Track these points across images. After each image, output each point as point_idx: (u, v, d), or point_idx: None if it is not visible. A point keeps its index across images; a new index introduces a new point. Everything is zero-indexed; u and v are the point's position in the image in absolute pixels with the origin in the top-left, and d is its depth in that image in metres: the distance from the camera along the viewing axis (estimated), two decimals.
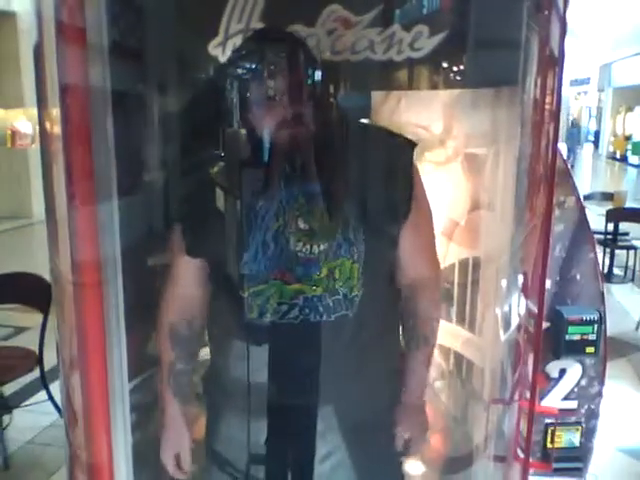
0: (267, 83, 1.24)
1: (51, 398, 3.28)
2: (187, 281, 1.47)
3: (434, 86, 1.91)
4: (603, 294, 2.01)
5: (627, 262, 6.68)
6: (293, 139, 1.28)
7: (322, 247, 1.32)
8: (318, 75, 1.30)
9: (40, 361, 3.31)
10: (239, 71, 1.29)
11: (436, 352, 1.86)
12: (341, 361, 1.38)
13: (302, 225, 1.32)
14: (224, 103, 1.31)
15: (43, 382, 3.39)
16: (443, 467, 1.97)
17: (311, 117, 1.28)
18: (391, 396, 1.51)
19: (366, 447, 1.47)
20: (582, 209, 1.94)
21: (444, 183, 1.87)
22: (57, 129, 1.28)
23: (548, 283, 1.82)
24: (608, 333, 2.09)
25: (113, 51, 1.29)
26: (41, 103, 1.43)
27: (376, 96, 1.89)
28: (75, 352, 1.38)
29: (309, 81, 1.28)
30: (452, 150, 1.89)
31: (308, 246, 1.32)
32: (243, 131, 1.31)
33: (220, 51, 1.89)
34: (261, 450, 1.42)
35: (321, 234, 1.32)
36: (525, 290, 1.64)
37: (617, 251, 6.65)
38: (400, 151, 1.40)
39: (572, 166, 17.69)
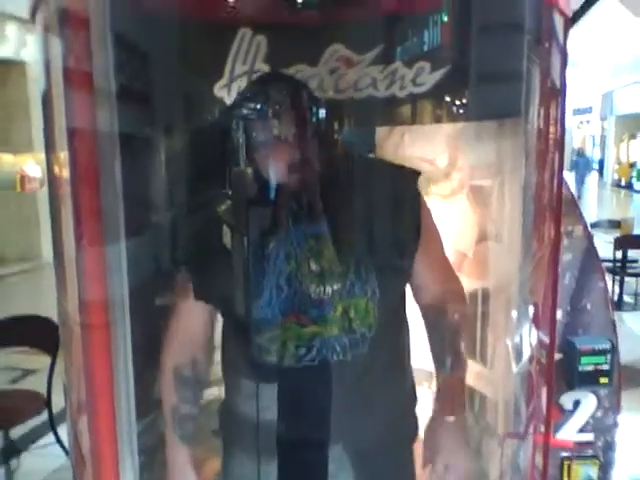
0: (271, 123, 1.26)
1: (59, 441, 3.26)
2: (192, 324, 1.46)
3: (437, 120, 1.93)
4: (614, 323, 1.99)
5: (637, 289, 6.63)
6: (299, 178, 1.29)
7: (335, 287, 1.31)
8: (322, 114, 1.31)
9: (48, 404, 3.30)
10: (244, 112, 1.30)
11: None
12: (358, 399, 1.37)
13: (314, 267, 1.31)
14: (230, 144, 1.32)
15: (51, 425, 3.37)
16: None
17: (316, 156, 1.30)
18: (405, 433, 1.49)
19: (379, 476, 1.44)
20: (590, 238, 1.93)
21: (450, 215, 1.87)
22: (65, 172, 1.31)
23: (559, 313, 1.80)
24: (621, 362, 2.07)
25: (120, 96, 1.32)
26: (49, 147, 1.46)
27: (380, 132, 1.91)
28: (83, 395, 1.37)
29: (312, 120, 1.30)
30: (457, 182, 1.90)
31: (321, 287, 1.31)
32: (250, 170, 1.32)
33: (226, 92, 1.92)
34: None
35: (333, 275, 1.31)
36: (536, 321, 1.63)
37: (627, 278, 6.61)
38: (404, 181, 1.41)
39: (579, 197, 17.33)
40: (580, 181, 18.50)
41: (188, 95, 1.88)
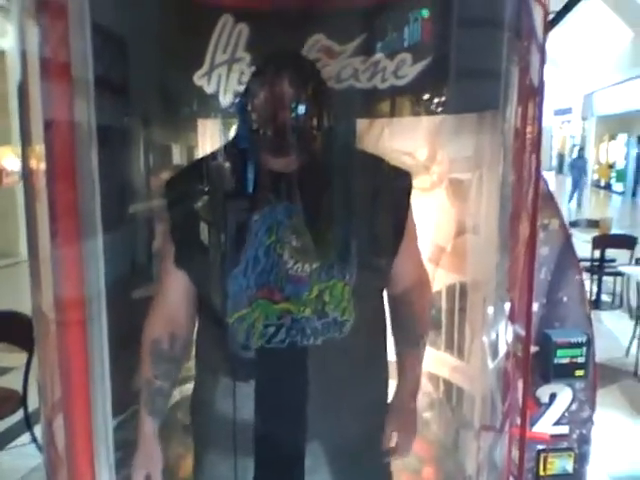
0: (272, 81, 1.28)
1: (35, 440, 3.22)
2: (173, 295, 1.44)
3: (418, 113, 1.93)
4: (590, 316, 2.00)
5: (615, 288, 6.70)
6: (292, 151, 1.30)
7: (314, 266, 1.31)
8: (322, 93, 1.34)
9: (24, 402, 3.26)
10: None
11: (425, 380, 1.85)
12: (328, 389, 1.35)
13: (294, 242, 1.31)
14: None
15: (27, 424, 3.33)
16: None
17: (310, 130, 1.31)
18: (378, 426, 1.49)
19: (356, 474, 1.43)
20: (566, 232, 1.94)
21: (430, 209, 1.87)
22: (41, 166, 1.29)
23: (535, 306, 1.81)
24: (598, 360, 2.08)
25: (98, 86, 1.30)
26: (25, 140, 1.43)
27: (361, 124, 1.90)
28: (58, 393, 1.36)
29: (313, 94, 1.31)
30: (437, 176, 1.90)
31: (300, 264, 1.31)
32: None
33: (205, 81, 1.90)
34: None
35: (313, 253, 1.31)
36: (512, 314, 1.64)
37: (604, 278, 6.67)
38: (399, 180, 1.43)
39: (579, 204, 16.40)
40: (575, 185, 17.04)
41: (167, 84, 1.85)
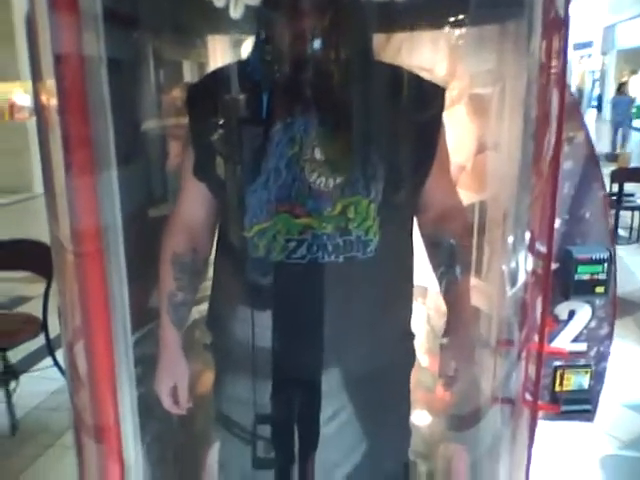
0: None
1: (57, 364, 3.30)
2: (193, 206, 1.42)
3: (436, 26, 1.85)
4: (613, 233, 1.97)
5: (632, 223, 6.64)
6: (317, 61, 1.24)
7: (338, 180, 1.26)
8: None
9: (44, 327, 3.32)
10: None
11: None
12: (348, 309, 1.33)
13: (318, 155, 1.26)
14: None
15: (48, 348, 3.41)
16: (451, 415, 1.96)
17: (335, 40, 1.24)
18: (401, 353, 1.47)
19: (375, 402, 1.42)
20: (591, 145, 1.88)
21: (449, 127, 1.82)
22: (52, 100, 1.26)
23: (557, 222, 1.78)
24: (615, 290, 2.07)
25: (105, 16, 1.25)
26: (35, 74, 1.40)
27: (378, 38, 1.83)
28: (77, 321, 1.37)
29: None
30: (457, 92, 1.84)
31: (323, 178, 1.26)
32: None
33: (223, 1, 1.83)
34: (270, 403, 1.36)
35: (337, 166, 1.26)
36: (533, 234, 1.61)
37: (622, 212, 6.61)
38: (434, 98, 1.37)
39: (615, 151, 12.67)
40: (616, 127, 14.65)
41: (176, 2, 1.79)
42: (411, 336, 1.50)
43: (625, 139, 14.82)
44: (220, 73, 1.43)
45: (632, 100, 15.92)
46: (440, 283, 1.47)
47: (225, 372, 1.49)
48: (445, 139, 1.41)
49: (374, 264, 1.31)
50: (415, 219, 1.46)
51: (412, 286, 1.47)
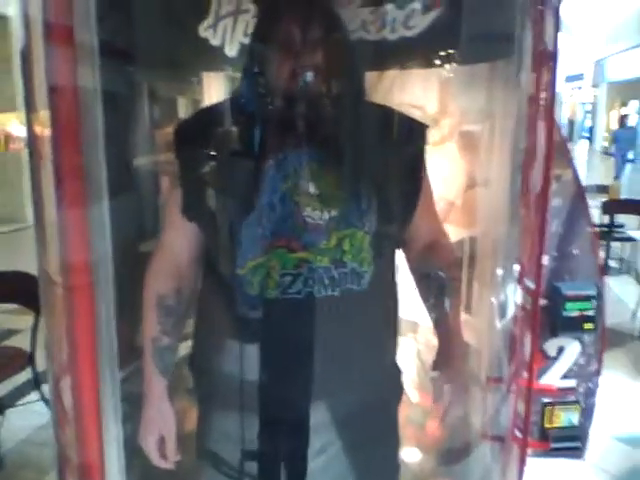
0: (290, 27, 1.23)
1: (44, 398, 3.26)
2: (179, 245, 1.38)
3: (428, 64, 1.89)
4: (602, 269, 1.98)
5: (623, 254, 6.67)
6: (309, 96, 1.24)
7: (333, 213, 1.25)
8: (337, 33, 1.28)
9: (31, 361, 3.29)
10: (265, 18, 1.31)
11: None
12: (343, 344, 1.31)
13: (312, 190, 1.25)
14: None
15: (35, 382, 3.37)
16: (441, 452, 1.95)
17: (327, 76, 1.24)
18: (389, 387, 1.47)
19: (364, 436, 1.39)
20: (579, 183, 1.91)
21: (440, 163, 1.85)
22: (46, 131, 1.27)
23: (546, 259, 1.79)
24: (606, 324, 2.07)
25: (102, 45, 1.27)
26: (29, 105, 1.40)
27: (370, 76, 1.86)
28: (65, 354, 1.35)
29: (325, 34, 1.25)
30: (447, 129, 1.87)
31: (317, 212, 1.25)
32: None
33: (211, 33, 1.87)
34: (257, 442, 1.32)
35: (332, 200, 1.25)
36: (523, 267, 1.62)
37: (613, 244, 6.63)
38: (419, 134, 1.40)
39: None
40: (622, 161, 14.68)
41: (172, 37, 1.82)
42: (399, 371, 1.50)
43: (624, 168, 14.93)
44: (211, 109, 1.42)
45: (635, 131, 16.10)
46: (430, 315, 1.47)
47: (212, 409, 1.44)
48: (427, 173, 1.43)
49: (367, 297, 1.31)
50: (403, 253, 1.47)
51: (398, 320, 1.47)
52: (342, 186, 1.27)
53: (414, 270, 1.48)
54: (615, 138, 16.17)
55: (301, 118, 1.25)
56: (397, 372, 1.49)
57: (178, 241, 1.39)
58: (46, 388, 3.06)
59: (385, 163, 1.34)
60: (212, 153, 1.27)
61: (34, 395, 3.40)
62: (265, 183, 1.25)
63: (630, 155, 16.07)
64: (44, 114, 1.26)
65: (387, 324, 1.44)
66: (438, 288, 1.43)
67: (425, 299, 1.46)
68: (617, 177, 14.04)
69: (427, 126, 1.43)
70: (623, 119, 16.66)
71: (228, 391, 1.34)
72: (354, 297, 1.29)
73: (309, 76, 1.22)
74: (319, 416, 1.34)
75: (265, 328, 1.30)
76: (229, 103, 1.36)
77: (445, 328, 1.45)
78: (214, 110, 1.38)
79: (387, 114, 1.39)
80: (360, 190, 1.28)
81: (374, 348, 1.38)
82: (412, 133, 1.39)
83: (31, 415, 3.44)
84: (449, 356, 1.44)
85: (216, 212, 1.28)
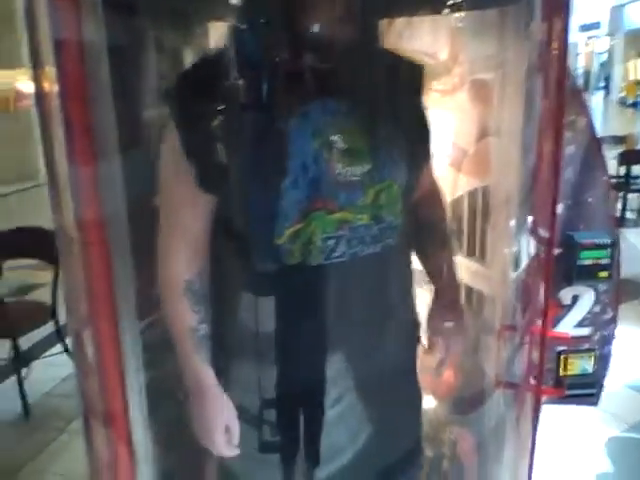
0: None
1: (67, 350, 3.33)
2: (196, 224, 1.26)
3: (439, 11, 1.84)
4: (616, 218, 1.96)
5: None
6: (324, 45, 1.15)
7: (366, 167, 1.21)
8: None
9: (54, 314, 3.35)
10: None
11: None
12: (381, 297, 1.31)
13: (342, 144, 1.19)
14: None
15: (58, 335, 3.44)
16: (455, 401, 1.97)
17: (339, 23, 1.15)
18: (410, 338, 1.47)
19: (391, 390, 1.38)
20: (593, 130, 1.87)
21: (452, 112, 1.82)
22: (53, 87, 1.24)
23: (560, 207, 1.77)
24: (622, 276, 2.06)
25: (105, 1, 1.23)
26: (35, 61, 1.38)
27: (380, 24, 1.82)
28: (84, 309, 1.36)
29: None
30: (458, 77, 1.83)
31: (350, 167, 1.19)
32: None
33: None
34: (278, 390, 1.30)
35: (363, 153, 1.20)
36: (536, 216, 1.61)
37: (629, 195, 6.57)
38: (423, 76, 1.37)
39: None
40: None
41: None
42: (418, 322, 1.50)
43: None
44: (216, 60, 1.22)
45: None
46: (426, 266, 1.52)
47: (233, 361, 1.37)
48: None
49: (400, 250, 1.31)
50: None
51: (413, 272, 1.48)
52: (372, 138, 1.22)
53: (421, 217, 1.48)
54: None
55: (318, 69, 1.16)
56: (417, 323, 1.50)
57: (194, 219, 1.26)
58: (69, 340, 3.13)
59: (405, 110, 1.30)
60: (225, 109, 1.14)
61: (58, 347, 3.48)
62: (294, 142, 1.16)
63: None
64: (50, 70, 1.23)
65: (411, 276, 1.44)
66: (436, 236, 1.48)
67: (422, 249, 1.49)
68: None
69: (421, 66, 1.38)
70: None
71: (258, 346, 1.28)
72: (391, 251, 1.28)
73: (322, 24, 1.14)
74: (337, 366, 1.32)
75: (308, 296, 1.25)
76: (235, 54, 1.19)
77: (444, 276, 1.49)
78: (219, 59, 1.19)
79: (402, 61, 1.35)
80: (390, 140, 1.24)
81: (403, 299, 1.40)
82: (421, 77, 1.37)
83: (55, 367, 3.55)
84: (451, 300, 1.50)
85: (241, 179, 1.17)
